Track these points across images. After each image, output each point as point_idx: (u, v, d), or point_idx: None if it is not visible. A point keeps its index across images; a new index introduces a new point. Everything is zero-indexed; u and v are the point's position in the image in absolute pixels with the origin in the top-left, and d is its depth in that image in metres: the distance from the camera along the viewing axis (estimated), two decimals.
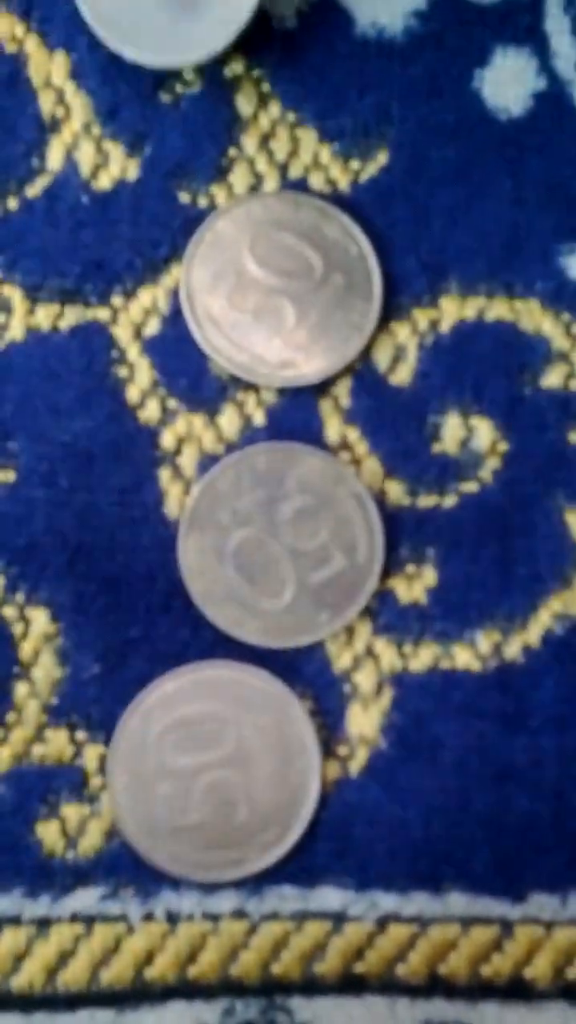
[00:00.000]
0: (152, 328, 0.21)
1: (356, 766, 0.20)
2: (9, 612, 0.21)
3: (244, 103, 0.21)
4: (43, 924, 0.20)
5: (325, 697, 0.21)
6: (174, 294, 0.21)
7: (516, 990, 0.20)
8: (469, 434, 0.21)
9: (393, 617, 0.21)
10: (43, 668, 0.20)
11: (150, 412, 0.21)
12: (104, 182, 0.21)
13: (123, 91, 0.21)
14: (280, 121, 0.21)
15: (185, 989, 0.20)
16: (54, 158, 0.21)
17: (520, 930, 0.20)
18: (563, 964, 0.20)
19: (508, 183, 0.21)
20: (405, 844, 0.20)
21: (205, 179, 0.21)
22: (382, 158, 0.21)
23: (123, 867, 0.20)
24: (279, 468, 0.20)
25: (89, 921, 0.20)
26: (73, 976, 0.20)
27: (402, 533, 0.21)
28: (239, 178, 0.21)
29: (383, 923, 0.20)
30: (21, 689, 0.20)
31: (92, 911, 0.20)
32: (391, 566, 0.21)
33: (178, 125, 0.21)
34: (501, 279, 0.21)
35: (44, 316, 0.21)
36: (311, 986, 0.20)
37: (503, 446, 0.21)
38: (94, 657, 0.20)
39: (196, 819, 0.20)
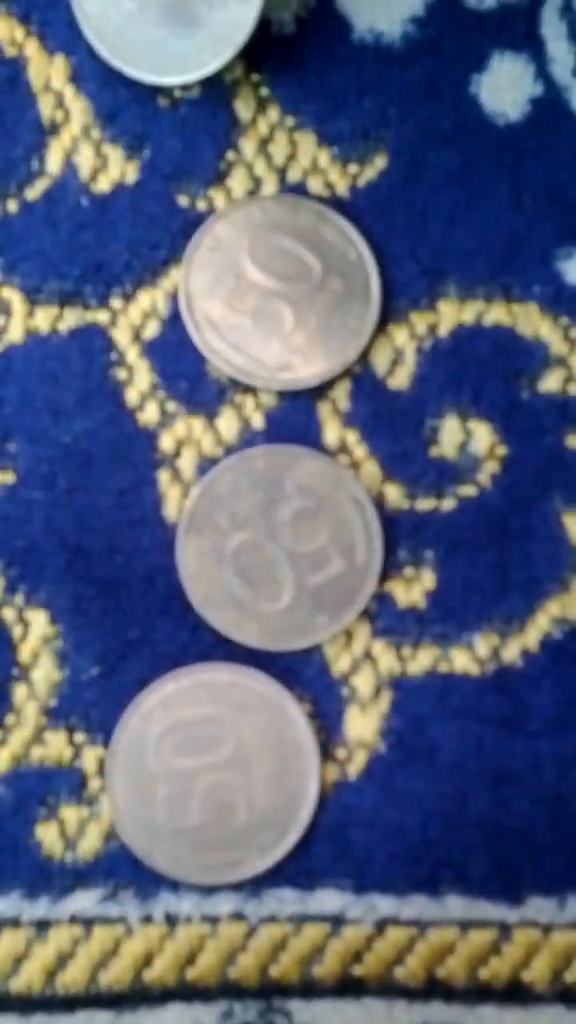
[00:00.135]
0: (151, 331, 0.21)
1: (354, 769, 0.20)
2: (8, 614, 0.21)
3: (243, 107, 0.21)
4: (42, 926, 0.20)
5: (324, 700, 0.21)
6: (173, 297, 0.21)
7: (514, 993, 0.20)
8: (467, 438, 0.21)
9: (391, 620, 0.21)
10: (42, 670, 0.20)
11: (149, 415, 0.21)
12: (103, 185, 0.21)
13: (122, 95, 0.21)
14: (279, 125, 0.21)
15: (184, 991, 0.20)
16: (53, 161, 0.21)
17: (518, 933, 0.20)
18: (561, 967, 0.20)
19: (506, 188, 0.21)
20: (403, 847, 0.20)
21: (204, 182, 0.21)
22: (380, 162, 0.21)
23: (122, 869, 0.20)
24: (278, 471, 0.20)
25: (88, 923, 0.20)
26: (72, 978, 0.20)
27: (400, 536, 0.21)
28: (238, 182, 0.21)
29: (381, 926, 0.20)
30: (20, 691, 0.20)
31: (91, 913, 0.20)
32: (389, 569, 0.21)
33: (177, 129, 0.21)
34: (499, 283, 0.21)
35: (43, 318, 0.21)
36: (309, 989, 0.20)
37: (501, 450, 0.21)
38: (93, 659, 0.20)
39: (195, 821, 0.20)
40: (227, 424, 0.21)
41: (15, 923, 0.20)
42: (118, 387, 0.21)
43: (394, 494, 0.21)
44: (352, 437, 0.21)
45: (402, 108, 0.21)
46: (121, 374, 0.21)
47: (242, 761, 0.20)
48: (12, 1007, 0.20)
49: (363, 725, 0.21)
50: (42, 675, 0.20)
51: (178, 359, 0.21)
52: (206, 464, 0.21)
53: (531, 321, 0.21)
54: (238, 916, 0.20)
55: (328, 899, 0.20)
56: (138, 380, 0.21)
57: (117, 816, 0.20)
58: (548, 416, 0.21)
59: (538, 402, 0.21)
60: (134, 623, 0.21)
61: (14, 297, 0.21)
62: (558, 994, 0.20)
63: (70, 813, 0.20)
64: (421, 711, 0.20)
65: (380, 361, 0.21)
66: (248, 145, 0.21)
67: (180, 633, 0.21)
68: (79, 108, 0.21)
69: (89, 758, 0.20)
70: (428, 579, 0.21)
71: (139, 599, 0.21)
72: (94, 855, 0.20)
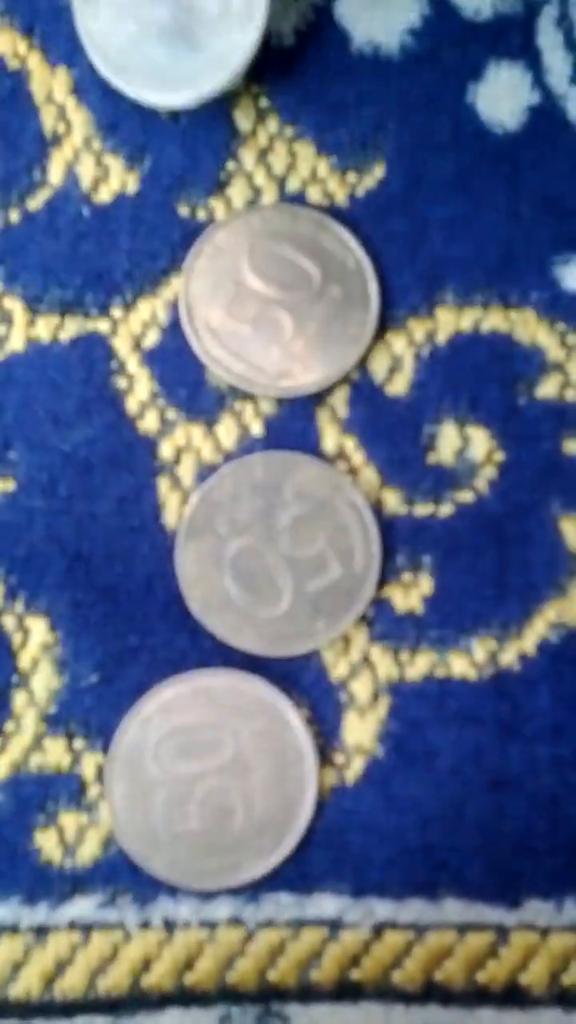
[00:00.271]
0: (151, 339, 0.21)
1: (352, 774, 0.21)
2: (8, 621, 0.21)
3: (242, 118, 0.21)
4: (41, 932, 0.20)
5: (322, 705, 0.21)
6: (173, 306, 0.21)
7: (512, 996, 0.20)
8: (465, 444, 0.21)
9: (389, 625, 0.21)
10: (42, 677, 0.21)
11: (149, 422, 0.21)
12: (104, 195, 0.21)
13: (123, 107, 0.21)
14: (278, 135, 0.21)
15: (182, 996, 0.20)
16: (55, 172, 0.21)
17: (516, 936, 0.20)
18: (558, 970, 0.20)
19: (503, 196, 0.21)
20: (401, 851, 0.20)
21: (204, 192, 0.21)
22: (379, 171, 0.21)
23: (120, 875, 0.20)
24: (277, 477, 0.21)
25: (87, 929, 0.20)
26: (70, 984, 0.20)
27: (398, 541, 0.21)
28: (237, 191, 0.21)
29: (379, 930, 0.20)
30: (20, 698, 0.21)
31: (90, 919, 0.20)
32: (387, 574, 0.21)
33: (177, 139, 0.21)
34: (497, 290, 0.21)
35: (44, 327, 0.21)
36: (307, 993, 0.20)
37: (498, 456, 0.21)
38: (92, 665, 0.21)
39: (193, 826, 0.20)
40: (226, 431, 0.21)
41: (14, 929, 0.20)
42: (118, 395, 0.21)
43: (392, 500, 0.21)
44: (351, 443, 0.21)
45: (400, 118, 0.21)
46: (121, 382, 0.21)
47: (241, 766, 0.20)
48: (11, 1013, 0.20)
49: (361, 730, 0.21)
50: (41, 682, 0.21)
51: (178, 367, 0.21)
52: (205, 471, 0.21)
53: (528, 327, 0.21)
54: (236, 921, 0.20)
55: (326, 903, 0.20)
56: (138, 388, 0.21)
57: (116, 822, 0.20)
58: (545, 422, 0.21)
59: (535, 408, 0.21)
60: (133, 629, 0.21)
61: (16, 306, 0.21)
62: (556, 997, 0.20)
63: (69, 819, 0.20)
64: (419, 716, 0.21)
65: (378, 368, 0.21)
66: (248, 155, 0.21)
67: (179, 639, 0.21)
68: (80, 119, 0.21)
69: (88, 764, 0.20)
70: (426, 584, 0.21)
71: (138, 605, 0.21)
72: (93, 861, 0.20)
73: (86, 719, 0.20)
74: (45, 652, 0.21)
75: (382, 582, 0.21)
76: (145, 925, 0.20)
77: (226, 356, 0.21)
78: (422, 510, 0.21)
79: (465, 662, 0.21)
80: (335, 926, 0.20)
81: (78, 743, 0.20)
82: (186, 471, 0.21)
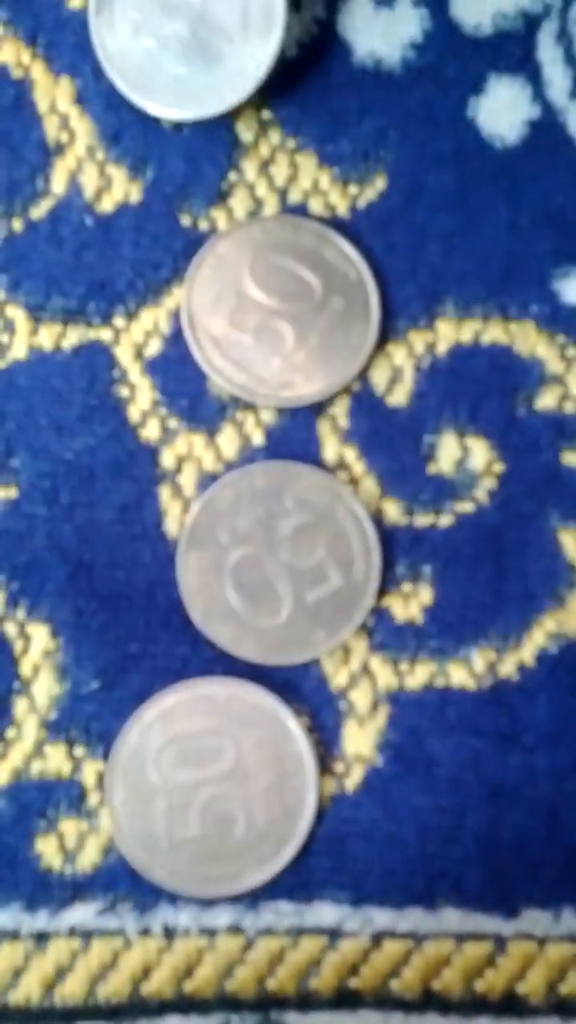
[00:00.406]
0: (153, 348, 0.21)
1: (352, 783, 0.21)
2: (10, 628, 0.21)
3: (245, 129, 0.22)
4: (41, 938, 0.20)
5: (322, 714, 0.21)
6: (175, 315, 0.21)
7: (509, 1005, 0.20)
8: (464, 454, 0.21)
9: (389, 635, 0.21)
10: (43, 684, 0.21)
11: (151, 431, 0.21)
12: (107, 205, 0.21)
13: (126, 116, 0.21)
14: (280, 147, 0.22)
15: (181, 1004, 0.20)
16: (58, 181, 0.21)
17: (513, 946, 0.20)
18: (556, 979, 0.20)
19: (503, 209, 0.22)
20: (400, 860, 0.20)
21: (206, 203, 0.21)
22: (380, 183, 0.22)
23: (121, 882, 0.20)
24: (277, 487, 0.21)
25: (87, 936, 0.20)
26: (70, 991, 0.20)
27: (398, 551, 0.21)
28: (239, 202, 0.21)
29: (378, 939, 0.20)
30: (21, 705, 0.21)
31: (90, 925, 0.20)
32: (387, 584, 0.21)
33: (180, 150, 0.21)
34: (496, 302, 0.21)
35: (47, 336, 0.21)
36: (306, 1001, 0.20)
37: (498, 466, 0.21)
38: (93, 673, 0.21)
39: (194, 834, 0.20)
40: (228, 440, 0.21)
41: (14, 935, 0.20)
42: (120, 404, 0.21)
43: (392, 510, 0.21)
44: (351, 453, 0.21)
45: (401, 131, 0.22)
46: (123, 391, 0.21)
47: (241, 774, 0.20)
48: (11, 1019, 0.20)
49: (361, 739, 0.21)
50: (43, 689, 0.21)
51: (180, 376, 0.21)
52: (207, 480, 0.21)
53: (528, 340, 0.21)
54: (236, 929, 0.20)
55: (325, 912, 0.20)
56: (140, 397, 0.21)
57: (116, 829, 0.20)
58: (544, 433, 0.21)
59: (534, 419, 0.21)
60: (134, 637, 0.21)
61: (18, 315, 0.21)
62: (553, 1006, 0.20)
63: (69, 826, 0.20)
64: (418, 725, 0.21)
65: (379, 379, 0.21)
66: (250, 166, 0.22)
67: (180, 647, 0.21)
68: (84, 129, 0.21)
69: (89, 771, 0.20)
70: (426, 594, 0.21)
71: (140, 613, 0.21)
72: (93, 868, 0.20)
73: (87, 726, 0.21)
74: (46, 659, 0.21)
75: (382, 592, 0.21)
76: (145, 932, 0.20)
77: (228, 366, 0.21)
78: (422, 520, 0.21)
79: (464, 672, 0.21)
80: (334, 934, 0.20)
81: (79, 750, 0.20)
82: (187, 480, 0.21)
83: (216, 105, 0.21)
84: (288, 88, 0.21)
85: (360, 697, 0.21)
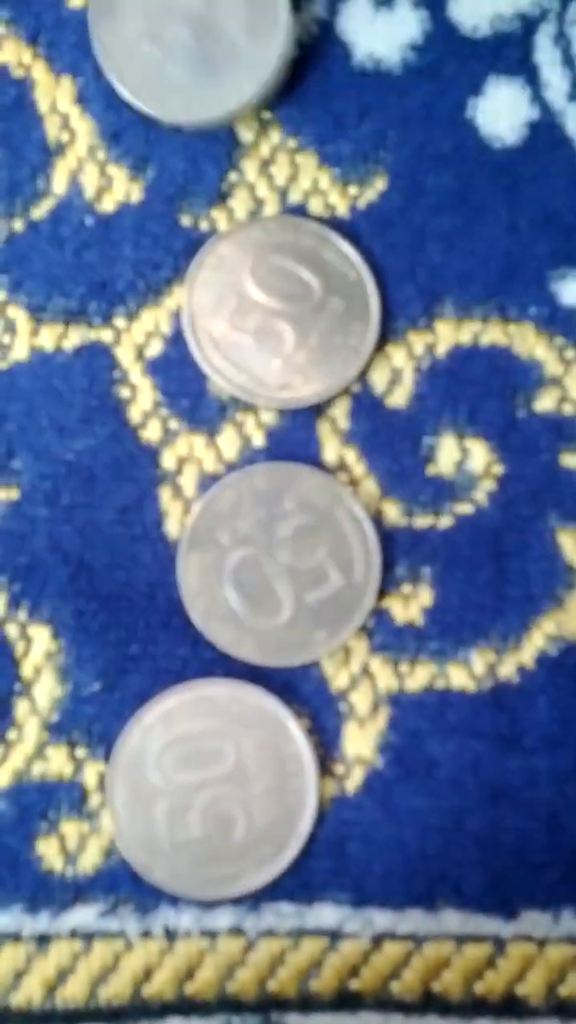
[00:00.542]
0: (154, 349, 0.21)
1: (352, 785, 0.21)
2: (11, 630, 0.21)
3: (245, 129, 0.22)
4: (42, 940, 0.20)
5: (322, 716, 0.21)
6: (176, 316, 0.21)
7: (509, 1007, 0.20)
8: (464, 456, 0.21)
9: (389, 636, 0.21)
10: (44, 685, 0.21)
11: (151, 432, 0.21)
12: (108, 205, 0.21)
13: (127, 116, 0.21)
14: (280, 147, 0.22)
15: (182, 1006, 0.20)
16: (59, 181, 0.21)
17: (513, 947, 0.20)
18: (556, 981, 0.20)
19: (502, 210, 0.22)
20: (400, 862, 0.20)
21: (207, 203, 0.21)
22: (380, 184, 0.22)
23: (122, 884, 0.20)
24: (278, 488, 0.21)
25: (88, 937, 0.20)
26: (72, 992, 0.20)
27: (398, 553, 0.21)
28: (240, 202, 0.21)
29: (378, 940, 0.20)
30: (22, 706, 0.21)
31: (91, 927, 0.20)
32: (387, 585, 0.21)
33: (180, 150, 0.21)
34: (496, 304, 0.21)
35: (48, 336, 0.21)
36: (307, 1003, 0.20)
37: (497, 468, 0.21)
38: (94, 674, 0.21)
39: (194, 835, 0.20)
40: (228, 441, 0.21)
41: (16, 937, 0.20)
42: (121, 404, 0.21)
43: (392, 511, 0.21)
44: (351, 455, 0.21)
45: (401, 131, 0.22)
46: (124, 392, 0.21)
47: (241, 776, 0.20)
48: (12, 1022, 0.20)
49: (361, 741, 0.21)
50: (44, 690, 0.21)
51: (180, 377, 0.21)
52: (207, 481, 0.21)
53: (527, 341, 0.21)
54: (237, 931, 0.20)
55: (326, 913, 0.20)
56: (141, 398, 0.21)
57: (117, 831, 0.20)
58: (543, 435, 0.21)
59: (534, 421, 0.21)
60: (135, 638, 0.21)
61: (19, 315, 0.21)
62: (553, 1008, 0.20)
63: (71, 828, 0.20)
64: (418, 727, 0.21)
65: (379, 380, 0.21)
66: (250, 166, 0.22)
67: (181, 648, 0.21)
68: (84, 129, 0.21)
69: (90, 773, 0.20)
70: (425, 596, 0.21)
71: (140, 615, 0.21)
72: (94, 870, 0.20)
73: (88, 727, 0.20)
74: (48, 660, 0.21)
75: (382, 593, 0.21)
76: (146, 934, 0.20)
77: (228, 367, 0.21)
78: (422, 521, 0.21)
79: (464, 674, 0.21)
80: (335, 936, 0.20)
81: (80, 751, 0.20)
82: (188, 481, 0.21)
83: (220, 111, 0.21)
84: (288, 88, 0.21)
85: (360, 699, 0.21)
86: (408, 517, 0.21)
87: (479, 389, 0.21)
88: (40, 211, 0.21)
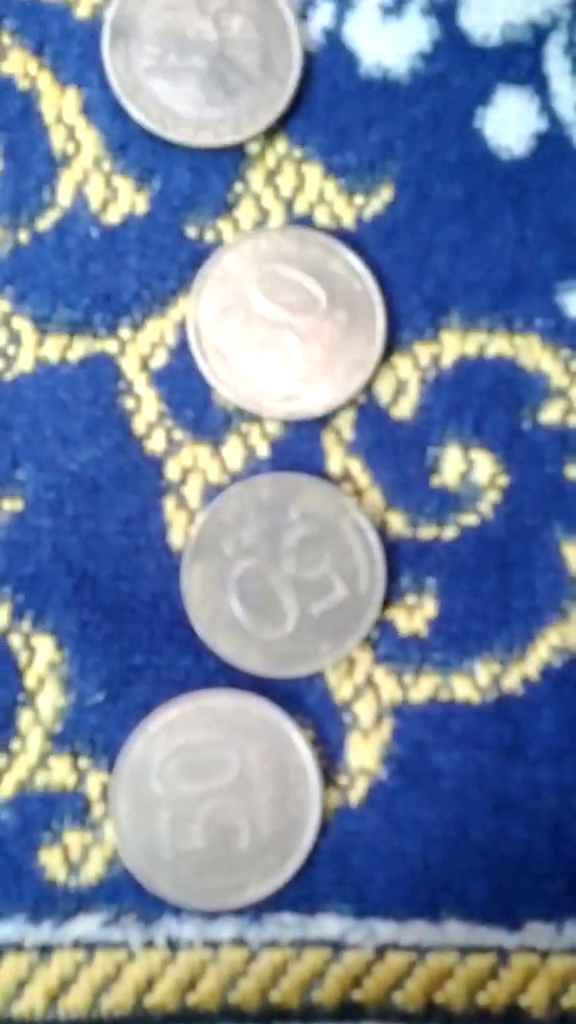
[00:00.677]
0: (159, 360, 0.21)
1: (356, 795, 0.21)
2: (15, 640, 0.21)
3: (251, 140, 0.22)
4: (45, 950, 0.20)
5: (326, 726, 0.21)
6: (181, 327, 0.21)
7: (512, 1018, 0.20)
8: (469, 467, 0.21)
9: (393, 647, 0.21)
10: (48, 695, 0.21)
11: (156, 443, 0.21)
12: (113, 216, 0.21)
13: (132, 127, 0.21)
14: (286, 157, 0.22)
15: (185, 1016, 0.20)
16: (64, 192, 0.21)
17: (516, 959, 0.20)
18: (558, 992, 0.20)
19: (509, 221, 0.22)
20: (404, 873, 0.20)
21: (212, 214, 0.21)
22: (386, 194, 0.22)
23: (124, 894, 0.20)
24: (282, 499, 0.21)
25: (90, 948, 0.20)
26: (74, 1003, 0.20)
27: (403, 564, 0.21)
28: (245, 213, 0.21)
29: (381, 951, 0.20)
30: (26, 716, 0.21)
31: (93, 937, 0.20)
32: (392, 596, 0.21)
33: (186, 161, 0.21)
34: (502, 315, 0.21)
35: (53, 347, 0.21)
36: (309, 1013, 0.20)
37: (502, 479, 0.21)
38: (98, 684, 0.21)
39: (197, 845, 0.20)
40: (233, 452, 0.21)
41: (18, 947, 0.20)
42: (126, 415, 0.21)
43: (397, 522, 0.21)
44: (356, 466, 0.21)
45: (408, 141, 0.22)
46: (129, 403, 0.21)
47: (245, 786, 0.20)
48: None
49: (365, 752, 0.21)
50: (47, 700, 0.21)
51: (185, 388, 0.21)
52: (212, 492, 0.21)
53: (532, 353, 0.21)
54: (239, 941, 0.20)
55: (329, 924, 0.20)
56: (146, 409, 0.21)
57: (120, 841, 0.20)
58: (549, 447, 0.21)
59: (539, 433, 0.21)
60: (139, 649, 0.21)
61: (24, 326, 0.21)
62: (555, 1019, 0.20)
63: (74, 838, 0.20)
64: (422, 738, 0.21)
65: (384, 391, 0.21)
66: (256, 177, 0.22)
67: (184, 659, 0.21)
68: (90, 140, 0.21)
69: (93, 783, 0.20)
70: (430, 607, 0.21)
71: (144, 625, 0.21)
72: (97, 880, 0.20)
73: (91, 738, 0.21)
74: (51, 671, 0.21)
75: (386, 604, 0.21)
76: (149, 944, 0.20)
77: (233, 378, 0.21)
78: (426, 532, 0.21)
79: (468, 685, 0.21)
80: (338, 947, 0.20)
81: (83, 762, 0.21)
82: (192, 492, 0.21)
83: (233, 137, 0.21)
84: (295, 98, 0.21)
85: (364, 709, 0.21)
86: (413, 528, 0.21)
87: (484, 400, 0.21)
88: (45, 222, 0.21)
